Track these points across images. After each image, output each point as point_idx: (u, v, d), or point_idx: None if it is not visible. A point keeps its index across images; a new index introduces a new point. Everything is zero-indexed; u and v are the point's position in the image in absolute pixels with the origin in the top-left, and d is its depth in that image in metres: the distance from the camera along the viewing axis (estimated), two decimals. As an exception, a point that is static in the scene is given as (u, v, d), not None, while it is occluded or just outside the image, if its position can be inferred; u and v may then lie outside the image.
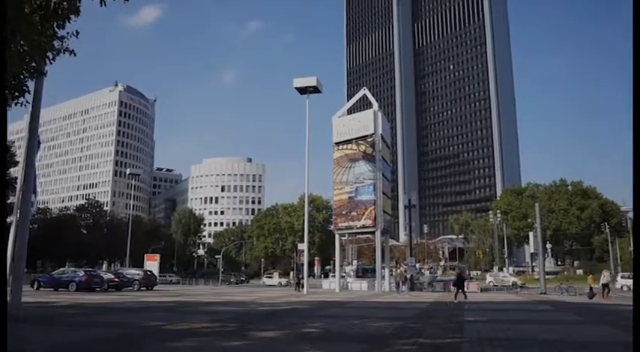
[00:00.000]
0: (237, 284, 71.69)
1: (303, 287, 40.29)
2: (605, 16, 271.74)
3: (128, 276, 40.02)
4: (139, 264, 60.70)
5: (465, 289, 27.56)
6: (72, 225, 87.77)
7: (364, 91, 48.02)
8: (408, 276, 39.62)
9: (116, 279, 37.45)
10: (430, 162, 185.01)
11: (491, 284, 56.12)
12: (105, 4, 9.04)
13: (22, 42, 8.85)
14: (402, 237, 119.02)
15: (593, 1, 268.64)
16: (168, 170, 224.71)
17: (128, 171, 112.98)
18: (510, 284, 55.26)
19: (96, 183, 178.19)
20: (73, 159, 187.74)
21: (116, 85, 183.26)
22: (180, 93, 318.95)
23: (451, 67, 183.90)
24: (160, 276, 53.97)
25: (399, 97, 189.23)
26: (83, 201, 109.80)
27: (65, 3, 9.21)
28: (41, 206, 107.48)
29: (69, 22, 9.38)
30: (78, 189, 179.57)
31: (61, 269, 41.81)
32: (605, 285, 31.27)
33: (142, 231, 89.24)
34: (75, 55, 10.04)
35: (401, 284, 37.15)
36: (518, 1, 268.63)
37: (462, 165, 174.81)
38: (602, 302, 27.87)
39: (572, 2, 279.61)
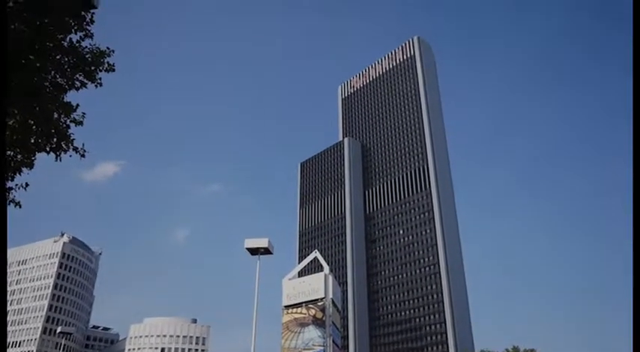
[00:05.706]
0: None
1: None
2: (549, 176, 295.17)
3: None
4: None
5: None
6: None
7: (315, 254, 48.25)
8: None
9: None
10: (381, 327, 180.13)
11: None
12: (60, 159, 9.01)
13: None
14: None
15: (532, 165, 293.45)
16: (105, 328, 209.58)
17: (59, 329, 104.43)
18: None
19: (20, 341, 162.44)
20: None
21: (62, 235, 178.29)
22: (130, 248, 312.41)
23: (401, 232, 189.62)
24: None
25: (350, 260, 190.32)
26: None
27: (20, 156, 9.09)
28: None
29: (20, 174, 9.18)
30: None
31: None
32: None
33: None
34: (20, 207, 9.66)
35: None
36: (462, 172, 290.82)
37: (413, 330, 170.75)
38: None
39: (513, 168, 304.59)
